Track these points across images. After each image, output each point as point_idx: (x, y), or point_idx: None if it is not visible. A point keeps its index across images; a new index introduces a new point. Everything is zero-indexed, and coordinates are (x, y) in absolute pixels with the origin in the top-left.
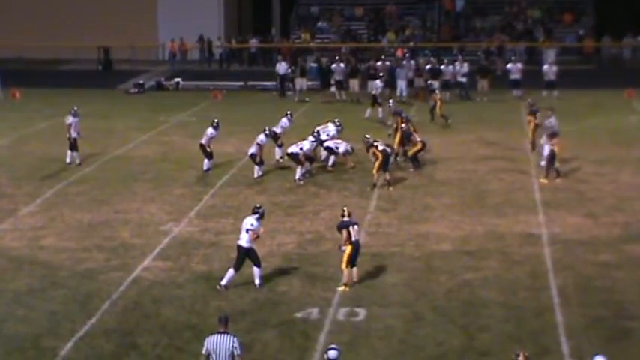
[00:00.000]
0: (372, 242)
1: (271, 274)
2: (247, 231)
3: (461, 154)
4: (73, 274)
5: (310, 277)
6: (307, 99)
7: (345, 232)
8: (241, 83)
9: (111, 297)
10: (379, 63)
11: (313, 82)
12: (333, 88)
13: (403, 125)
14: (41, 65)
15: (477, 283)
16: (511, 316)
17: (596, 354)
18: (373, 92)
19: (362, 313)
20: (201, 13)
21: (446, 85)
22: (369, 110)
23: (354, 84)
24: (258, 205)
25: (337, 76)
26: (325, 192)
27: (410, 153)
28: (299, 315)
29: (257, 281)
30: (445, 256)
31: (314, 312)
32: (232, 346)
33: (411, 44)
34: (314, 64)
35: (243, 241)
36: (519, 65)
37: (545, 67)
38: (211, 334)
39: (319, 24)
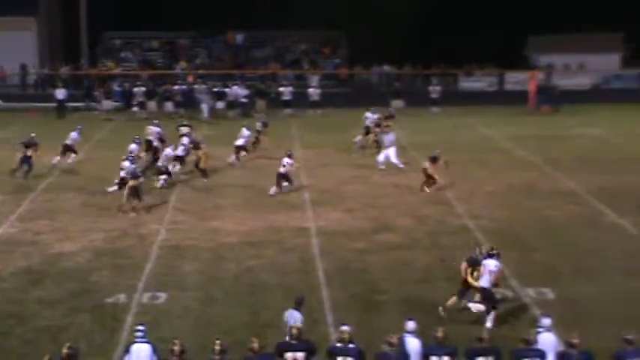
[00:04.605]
0: (171, 237)
1: (84, 267)
2: (491, 272)
3: (242, 162)
4: None
5: (118, 268)
6: (112, 118)
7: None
8: (54, 105)
9: None
10: (176, 87)
11: (118, 104)
12: (135, 108)
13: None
14: None
15: (259, 268)
16: (287, 295)
17: (343, 324)
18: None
19: (163, 296)
20: (18, 44)
21: (230, 105)
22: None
23: (152, 105)
24: (493, 247)
25: (139, 98)
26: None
27: (199, 164)
28: (109, 300)
29: (488, 324)
30: (232, 247)
31: (122, 297)
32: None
33: (201, 71)
34: (118, 88)
35: (484, 281)
36: (290, 88)
37: (311, 90)
38: None
39: (122, 54)
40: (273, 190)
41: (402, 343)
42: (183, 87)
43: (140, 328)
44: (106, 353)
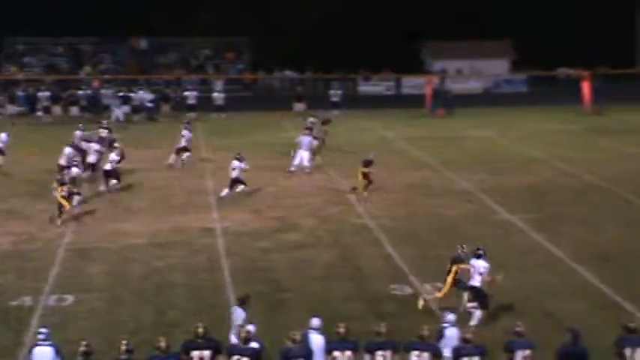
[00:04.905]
0: (77, 239)
1: None
2: (481, 273)
3: (151, 166)
4: None
5: (23, 271)
6: (14, 122)
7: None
8: None
9: None
10: (80, 92)
11: (22, 108)
12: (39, 113)
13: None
14: None
15: (166, 269)
16: (194, 295)
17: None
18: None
19: (70, 298)
20: None
21: (136, 110)
22: None
23: (57, 109)
24: (480, 247)
25: (43, 103)
26: (40, 198)
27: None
28: (14, 303)
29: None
30: (139, 248)
31: (27, 300)
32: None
33: (106, 76)
34: (22, 93)
35: (476, 281)
36: (195, 93)
37: (215, 94)
38: None
39: (25, 59)
40: (224, 192)
41: (305, 339)
42: (88, 92)
43: (42, 330)
44: (12, 355)
